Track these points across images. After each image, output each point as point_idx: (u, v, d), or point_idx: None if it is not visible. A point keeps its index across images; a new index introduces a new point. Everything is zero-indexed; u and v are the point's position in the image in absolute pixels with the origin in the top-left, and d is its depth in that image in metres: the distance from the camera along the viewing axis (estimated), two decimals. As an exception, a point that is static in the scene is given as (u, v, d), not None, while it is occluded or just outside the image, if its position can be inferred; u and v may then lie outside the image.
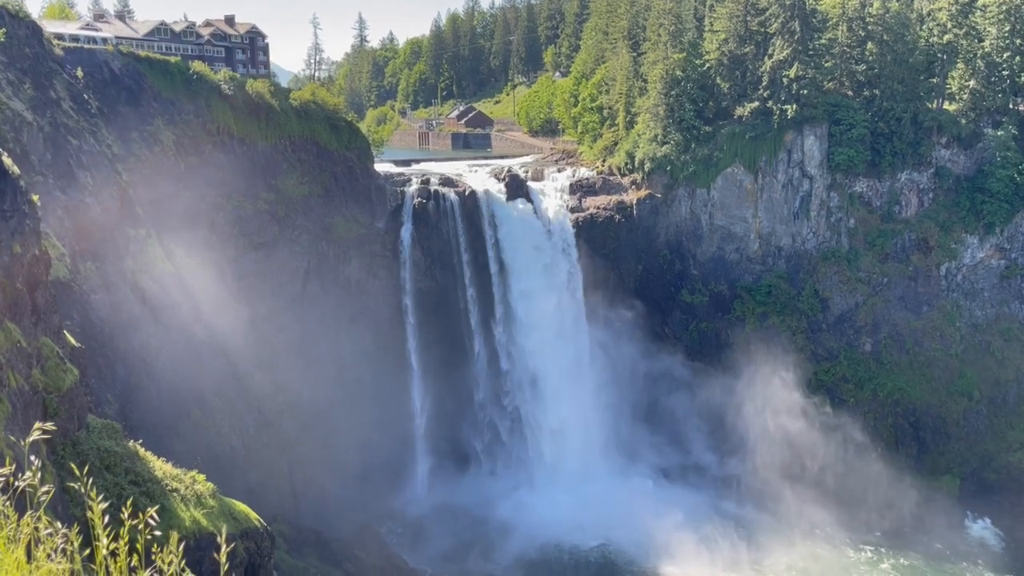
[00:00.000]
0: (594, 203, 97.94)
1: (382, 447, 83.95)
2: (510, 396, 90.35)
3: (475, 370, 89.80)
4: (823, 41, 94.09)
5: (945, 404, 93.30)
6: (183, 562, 9.46)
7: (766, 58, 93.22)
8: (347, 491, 79.98)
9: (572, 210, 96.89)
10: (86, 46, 72.10)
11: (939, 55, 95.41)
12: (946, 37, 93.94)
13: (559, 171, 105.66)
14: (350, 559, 72.79)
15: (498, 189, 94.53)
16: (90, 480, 10.88)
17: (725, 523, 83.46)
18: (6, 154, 23.60)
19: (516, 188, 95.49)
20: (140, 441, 29.09)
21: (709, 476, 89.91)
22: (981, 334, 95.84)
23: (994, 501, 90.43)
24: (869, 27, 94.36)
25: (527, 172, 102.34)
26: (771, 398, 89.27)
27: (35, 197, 25.54)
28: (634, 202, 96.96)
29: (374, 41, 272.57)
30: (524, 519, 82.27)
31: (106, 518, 9.47)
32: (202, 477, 32.66)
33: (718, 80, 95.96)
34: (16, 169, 25.03)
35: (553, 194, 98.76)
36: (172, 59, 78.18)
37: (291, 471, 78.08)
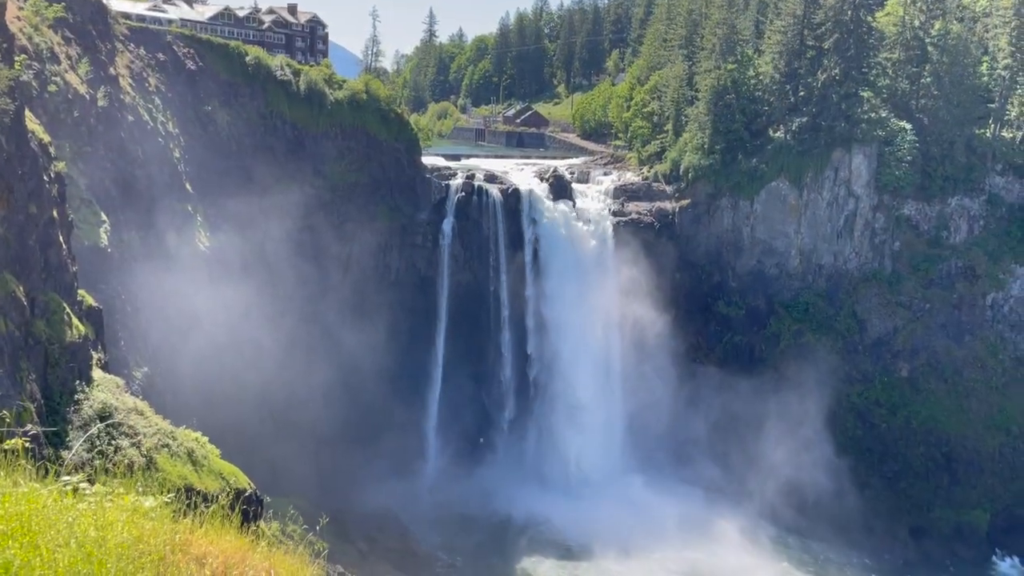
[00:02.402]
0: (636, 208, 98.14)
1: (407, 432, 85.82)
2: (534, 393, 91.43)
3: (502, 365, 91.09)
4: (878, 60, 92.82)
5: (981, 437, 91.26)
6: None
7: (819, 73, 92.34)
8: (369, 473, 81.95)
9: (614, 214, 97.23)
10: (151, 26, 75.36)
11: (999, 80, 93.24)
12: (1005, 62, 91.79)
13: (605, 174, 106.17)
14: (365, 539, 74.79)
15: (541, 189, 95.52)
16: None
17: (740, 537, 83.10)
18: (35, 120, 25.63)
19: (559, 189, 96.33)
20: (142, 398, 31.18)
21: (729, 489, 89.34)
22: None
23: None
24: (928, 48, 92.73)
25: (573, 174, 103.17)
26: (800, 417, 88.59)
27: (61, 165, 27.55)
28: (676, 210, 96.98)
29: (443, 37, 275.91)
30: (541, 513, 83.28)
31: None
32: (205, 439, 34.49)
33: (767, 94, 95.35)
34: (46, 137, 27.06)
35: (596, 197, 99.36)
36: (232, 43, 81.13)
37: (317, 450, 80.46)
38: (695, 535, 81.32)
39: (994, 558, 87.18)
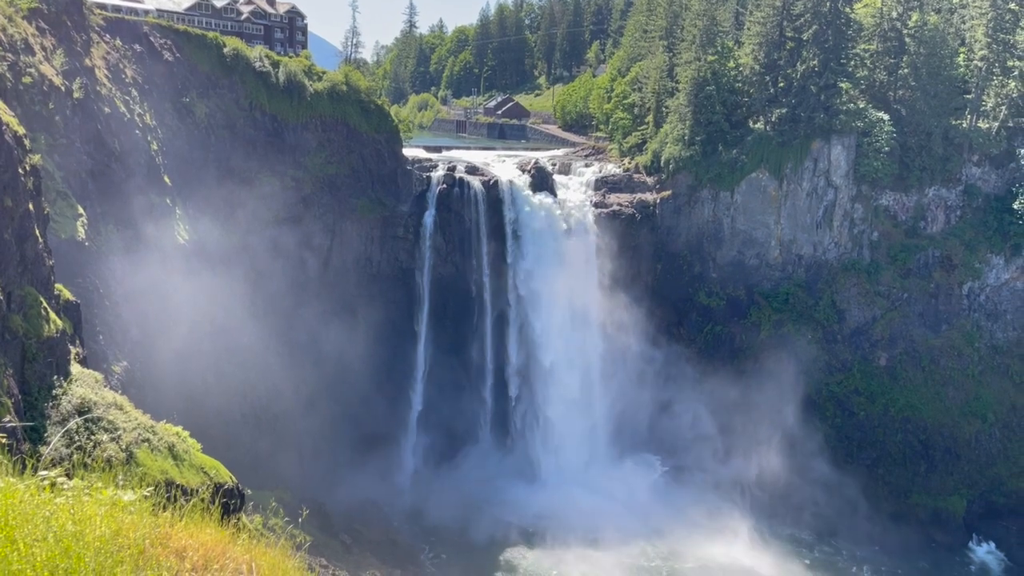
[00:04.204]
0: (617, 200, 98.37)
1: (389, 424, 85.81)
2: (516, 384, 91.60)
3: (484, 357, 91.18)
4: (856, 51, 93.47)
5: (958, 424, 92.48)
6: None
7: (798, 64, 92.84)
8: (352, 466, 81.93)
9: (595, 205, 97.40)
10: (127, 17, 74.45)
11: (975, 71, 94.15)
12: (981, 53, 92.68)
13: (586, 166, 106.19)
14: (349, 531, 74.66)
15: (523, 180, 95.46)
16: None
17: (723, 526, 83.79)
18: (9, 112, 25.31)
19: (541, 180, 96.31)
20: (121, 392, 30.98)
21: (711, 478, 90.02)
22: (1001, 356, 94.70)
23: (1001, 525, 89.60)
24: (905, 39, 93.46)
25: (555, 165, 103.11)
26: (780, 406, 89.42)
27: (36, 158, 27.21)
28: (657, 201, 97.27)
29: (423, 28, 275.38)
30: (524, 503, 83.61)
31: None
32: (186, 433, 34.31)
33: (747, 85, 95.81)
34: (20, 129, 26.72)
35: (577, 188, 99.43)
36: (210, 34, 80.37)
37: (300, 442, 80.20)
38: (678, 525, 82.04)
39: (971, 543, 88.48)
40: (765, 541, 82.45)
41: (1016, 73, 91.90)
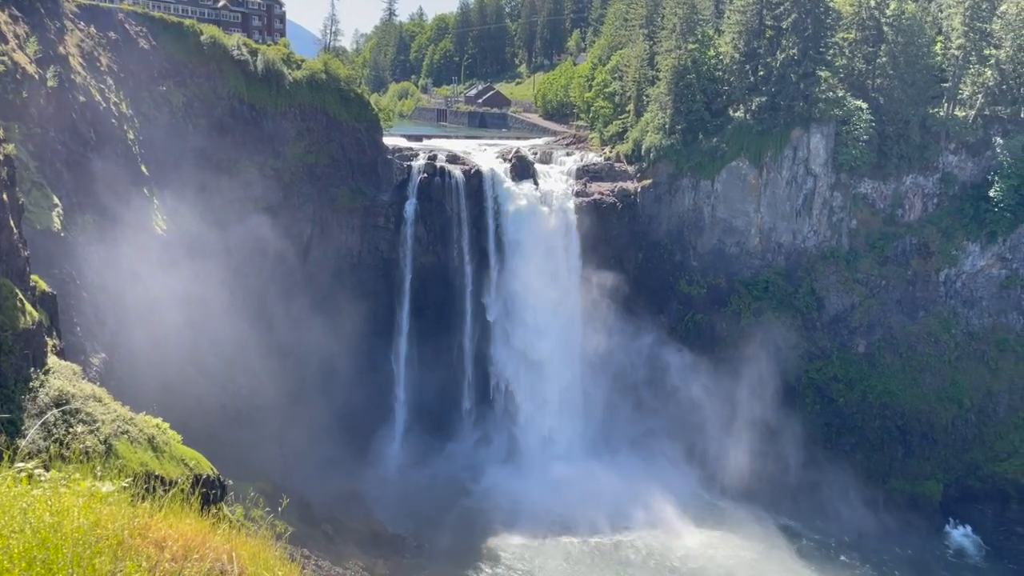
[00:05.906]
0: (599, 189, 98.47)
1: (371, 415, 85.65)
2: (499, 373, 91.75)
3: (466, 346, 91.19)
4: (835, 40, 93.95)
5: (935, 410, 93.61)
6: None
7: (778, 53, 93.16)
8: (335, 456, 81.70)
9: (577, 194, 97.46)
10: (102, 4, 73.41)
11: (952, 60, 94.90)
12: (958, 42, 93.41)
13: (567, 155, 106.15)
14: (331, 522, 74.52)
15: (504, 169, 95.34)
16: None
17: (708, 514, 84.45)
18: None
19: (522, 169, 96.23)
20: (100, 384, 30.77)
21: (694, 466, 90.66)
22: (976, 343, 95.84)
23: (977, 509, 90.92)
24: (883, 28, 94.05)
25: (536, 154, 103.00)
26: (760, 393, 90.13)
27: (10, 147, 26.83)
28: (638, 190, 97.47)
29: (403, 15, 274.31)
30: (506, 492, 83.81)
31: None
32: (166, 425, 34.09)
33: (727, 74, 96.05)
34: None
35: (559, 177, 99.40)
36: (187, 21, 79.48)
37: (281, 433, 79.87)
38: (664, 513, 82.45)
39: (947, 527, 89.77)
40: (750, 529, 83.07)
41: (992, 62, 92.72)
